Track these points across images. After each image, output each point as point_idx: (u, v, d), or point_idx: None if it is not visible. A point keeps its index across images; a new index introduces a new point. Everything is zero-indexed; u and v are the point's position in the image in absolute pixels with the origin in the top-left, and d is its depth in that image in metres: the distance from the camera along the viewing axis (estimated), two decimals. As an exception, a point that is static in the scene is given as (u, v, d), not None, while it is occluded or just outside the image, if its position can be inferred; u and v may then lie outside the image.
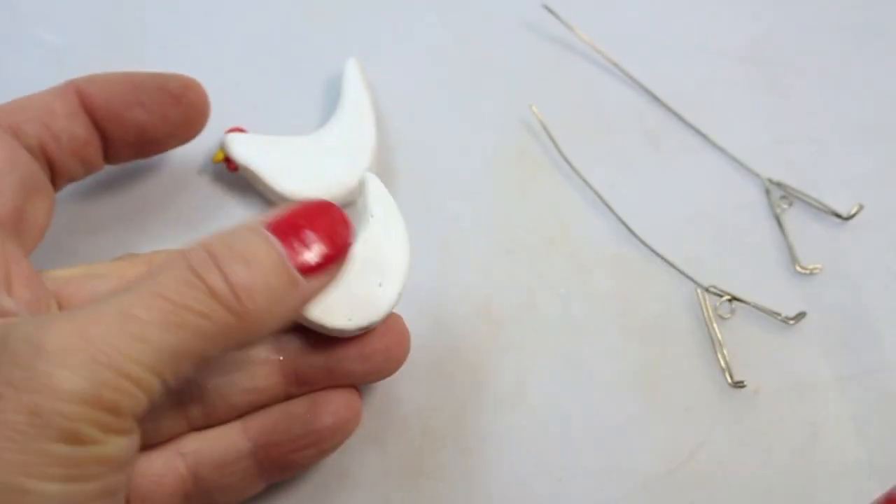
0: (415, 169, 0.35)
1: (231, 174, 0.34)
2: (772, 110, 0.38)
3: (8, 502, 0.19)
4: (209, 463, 0.27)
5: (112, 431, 0.20)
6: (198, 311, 0.21)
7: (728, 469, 0.31)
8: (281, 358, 0.27)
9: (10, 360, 0.20)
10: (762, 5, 0.40)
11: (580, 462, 0.31)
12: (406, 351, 0.29)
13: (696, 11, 0.40)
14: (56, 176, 0.29)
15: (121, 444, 0.21)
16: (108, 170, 0.31)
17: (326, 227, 0.24)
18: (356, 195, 0.29)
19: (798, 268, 0.34)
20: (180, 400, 0.27)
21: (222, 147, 0.33)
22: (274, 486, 0.29)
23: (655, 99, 0.37)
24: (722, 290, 0.33)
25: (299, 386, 0.28)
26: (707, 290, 0.33)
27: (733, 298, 0.33)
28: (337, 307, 0.27)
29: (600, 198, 0.35)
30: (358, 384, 0.29)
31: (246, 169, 0.33)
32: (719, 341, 0.32)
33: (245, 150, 0.33)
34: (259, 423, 0.27)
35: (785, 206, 0.35)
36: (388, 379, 0.29)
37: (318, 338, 0.27)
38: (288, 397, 0.28)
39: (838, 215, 0.35)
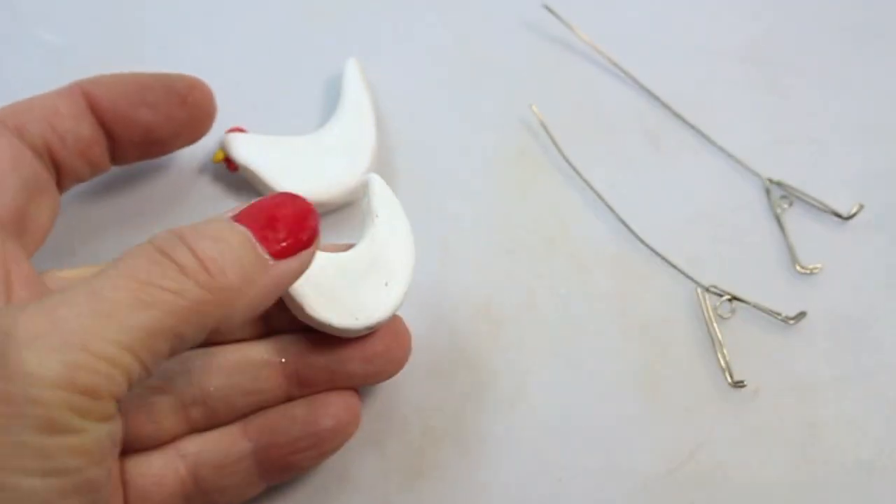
0: (415, 169, 0.35)
1: (231, 174, 0.34)
2: (772, 110, 0.38)
3: None
4: (209, 464, 0.27)
5: (91, 417, 0.20)
6: (167, 288, 0.21)
7: (728, 469, 0.31)
8: (283, 360, 0.27)
9: None
10: (762, 5, 0.40)
11: (580, 462, 0.31)
12: (407, 352, 0.29)
13: (696, 11, 0.40)
14: (62, 177, 0.29)
15: (101, 432, 0.20)
16: (109, 170, 0.31)
17: (292, 214, 0.24)
18: (359, 196, 0.30)
19: (798, 268, 0.34)
20: (182, 401, 0.27)
21: (222, 147, 0.33)
22: (273, 488, 0.29)
23: (655, 99, 0.37)
24: (722, 290, 0.33)
25: (301, 388, 0.28)
26: (707, 289, 0.33)
27: (733, 298, 0.33)
28: (343, 307, 0.27)
29: (600, 198, 0.35)
30: (359, 386, 0.29)
31: (246, 169, 0.33)
32: (719, 341, 0.32)
33: (245, 150, 0.33)
34: (259, 425, 0.27)
35: (785, 206, 0.35)
36: (388, 380, 0.29)
37: (320, 340, 0.28)
38: (289, 399, 0.28)
39: (838, 215, 0.35)
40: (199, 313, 0.21)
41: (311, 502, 0.30)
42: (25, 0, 0.38)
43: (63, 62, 0.36)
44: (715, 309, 0.33)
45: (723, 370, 0.32)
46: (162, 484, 0.26)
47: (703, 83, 0.38)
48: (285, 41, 0.38)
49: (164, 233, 0.22)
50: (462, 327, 0.33)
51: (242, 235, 0.23)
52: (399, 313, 0.28)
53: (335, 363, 0.28)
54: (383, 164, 0.35)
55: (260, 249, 0.23)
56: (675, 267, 0.34)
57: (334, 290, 0.27)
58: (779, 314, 0.33)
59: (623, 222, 0.34)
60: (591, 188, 0.35)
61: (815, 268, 0.34)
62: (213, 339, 0.28)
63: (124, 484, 0.26)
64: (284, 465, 0.27)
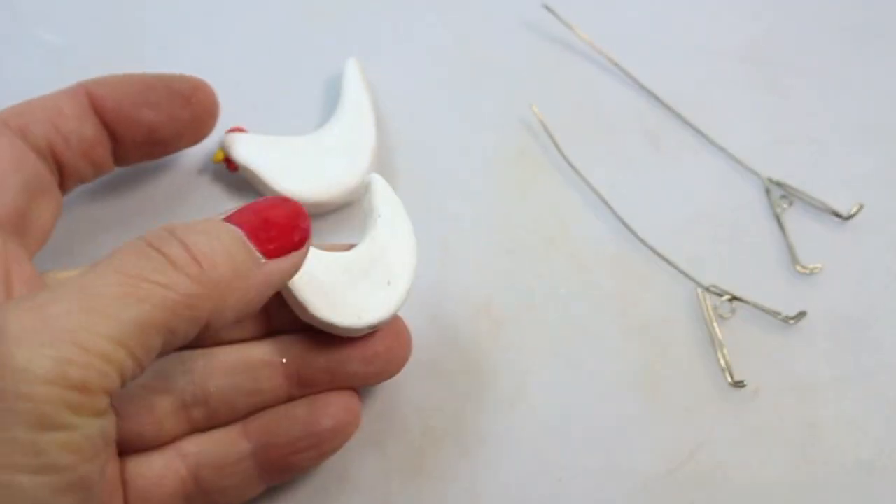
0: (415, 169, 0.35)
1: (231, 174, 0.34)
2: (772, 110, 0.38)
3: None
4: (209, 464, 0.27)
5: (83, 412, 0.19)
6: (158, 282, 0.21)
7: (728, 469, 0.31)
8: (284, 360, 0.27)
9: None
10: (762, 5, 0.40)
11: (580, 462, 0.31)
12: (408, 352, 0.29)
13: (696, 11, 0.40)
14: (65, 177, 0.29)
15: (93, 428, 0.20)
16: (112, 171, 0.31)
17: (283, 216, 0.24)
18: (360, 195, 0.30)
19: (798, 268, 0.34)
20: (182, 402, 0.27)
21: (222, 147, 0.33)
22: (274, 488, 0.29)
23: (655, 99, 0.37)
24: (722, 290, 0.33)
25: (301, 388, 0.28)
26: (707, 289, 0.33)
27: (733, 298, 0.33)
28: (346, 306, 0.27)
29: (600, 198, 0.35)
30: (360, 386, 0.29)
31: (246, 169, 0.33)
32: (719, 341, 0.32)
33: (245, 150, 0.33)
34: (259, 425, 0.27)
35: (785, 206, 0.35)
36: (387, 380, 0.29)
37: (321, 340, 0.28)
38: (290, 399, 0.28)
39: (838, 215, 0.35)
40: (190, 307, 0.21)
41: (311, 502, 0.30)
42: (25, 0, 0.38)
43: (63, 62, 0.36)
44: (715, 309, 0.33)
45: (723, 370, 0.32)
46: (162, 484, 0.26)
47: (703, 83, 0.38)
48: (285, 41, 0.38)
49: (156, 228, 0.22)
50: (462, 327, 0.33)
51: (234, 233, 0.23)
52: (400, 313, 0.28)
53: (336, 363, 0.28)
54: (383, 164, 0.35)
55: (251, 247, 0.23)
56: (675, 267, 0.34)
57: (337, 289, 0.27)
58: (779, 314, 0.33)
59: (623, 222, 0.34)
60: (591, 188, 0.35)
61: (815, 268, 0.34)
62: (211, 339, 0.28)
63: (124, 484, 0.26)
64: (285, 466, 0.27)
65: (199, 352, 0.27)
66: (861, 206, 0.35)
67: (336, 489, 0.30)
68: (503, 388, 0.32)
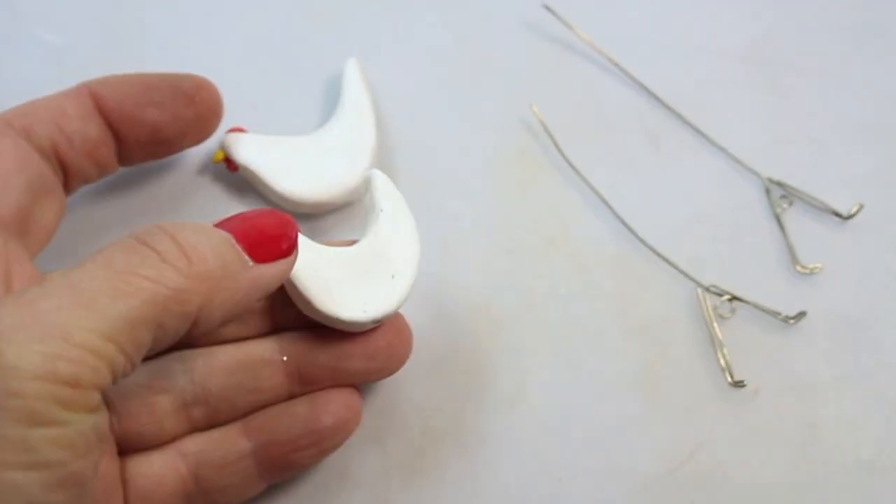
0: (415, 169, 0.35)
1: (231, 174, 0.34)
2: (772, 110, 0.38)
3: None
4: (210, 463, 0.27)
5: (74, 408, 0.19)
6: (147, 276, 0.21)
7: (728, 469, 0.31)
8: (285, 358, 0.28)
9: None
10: (762, 5, 0.40)
11: (580, 462, 0.31)
12: (409, 348, 0.29)
13: (696, 11, 0.40)
14: (69, 178, 0.29)
15: (85, 424, 0.20)
16: (117, 171, 0.31)
17: (272, 224, 0.24)
18: (362, 192, 0.30)
19: (798, 268, 0.34)
20: (183, 401, 0.27)
21: (222, 147, 0.33)
22: (274, 486, 0.29)
23: (655, 99, 0.37)
24: (722, 290, 0.33)
25: (303, 386, 0.28)
26: (707, 289, 0.33)
27: (733, 298, 0.33)
28: (351, 300, 0.27)
29: (600, 198, 0.35)
30: (361, 383, 0.29)
31: (246, 169, 0.33)
32: (719, 341, 0.32)
33: (245, 150, 0.33)
34: (259, 424, 0.27)
35: (785, 206, 0.35)
36: (388, 379, 0.29)
37: (322, 337, 0.28)
38: (291, 397, 0.28)
39: (838, 215, 0.35)
40: (180, 301, 0.21)
41: (311, 500, 0.30)
42: (25, 0, 0.38)
43: (63, 62, 0.36)
44: (715, 309, 0.33)
45: (723, 370, 0.32)
46: (162, 484, 0.26)
47: (703, 83, 0.38)
48: (285, 41, 0.38)
49: (146, 226, 0.23)
50: (462, 327, 0.33)
51: (223, 235, 0.23)
52: (400, 311, 0.28)
53: (337, 360, 0.28)
54: (383, 164, 0.35)
55: (240, 250, 0.23)
56: (675, 267, 0.34)
57: (341, 283, 0.27)
58: (779, 314, 0.33)
59: (623, 222, 0.34)
60: (591, 188, 0.35)
61: (815, 268, 0.34)
62: (210, 338, 0.28)
63: (125, 484, 0.26)
64: (285, 464, 0.27)
65: (199, 351, 0.27)
66: (861, 206, 0.35)
67: (336, 486, 0.30)
68: (503, 388, 0.32)
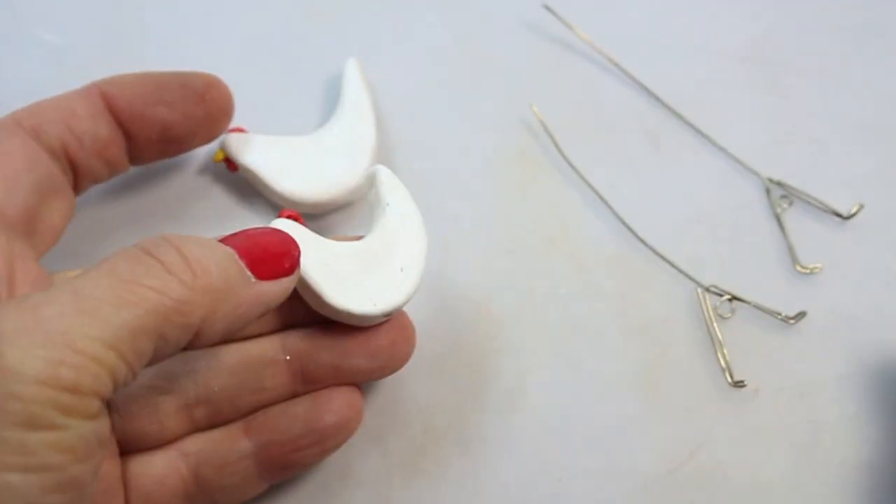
0: (415, 169, 0.35)
1: (231, 174, 0.34)
2: (772, 110, 0.38)
3: None
4: (210, 463, 0.27)
5: (74, 414, 0.19)
6: (151, 287, 0.21)
7: (728, 469, 0.31)
8: (287, 357, 0.28)
9: None
10: (762, 5, 0.40)
11: (580, 462, 0.31)
12: (412, 346, 0.29)
13: (696, 11, 0.40)
14: (79, 177, 0.29)
15: (85, 430, 0.20)
16: (128, 171, 0.31)
17: (275, 242, 0.25)
18: (364, 190, 0.30)
19: (798, 268, 0.34)
20: (185, 401, 0.27)
21: (222, 147, 0.33)
22: (275, 486, 0.29)
23: (655, 99, 0.37)
24: (722, 290, 0.33)
25: (306, 385, 0.28)
26: (707, 289, 0.33)
27: (733, 298, 0.33)
28: (360, 294, 0.27)
29: (600, 198, 0.35)
30: (364, 381, 0.29)
31: (246, 169, 0.33)
32: (719, 341, 0.32)
33: (245, 150, 0.33)
34: (260, 423, 0.27)
35: (785, 206, 0.35)
36: (389, 378, 0.29)
37: (325, 335, 0.28)
38: (294, 396, 0.28)
39: (838, 215, 0.35)
40: (182, 313, 0.21)
41: (312, 499, 0.30)
42: (25, 0, 0.38)
43: (63, 62, 0.36)
44: (715, 309, 0.33)
45: (723, 370, 0.32)
46: (164, 484, 0.26)
47: (703, 83, 0.38)
48: (285, 41, 0.38)
49: (152, 237, 0.23)
50: (462, 327, 0.33)
51: (227, 251, 0.23)
52: (403, 309, 0.28)
53: (340, 358, 0.28)
54: (383, 164, 0.34)
55: (243, 266, 0.23)
56: (675, 267, 0.34)
57: (351, 277, 0.27)
58: (779, 314, 0.33)
59: (623, 222, 0.34)
60: (591, 188, 0.35)
61: (815, 268, 0.34)
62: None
63: (126, 484, 0.26)
64: (286, 463, 0.27)
65: (201, 351, 0.27)
66: (861, 206, 0.35)
67: (338, 486, 0.30)
68: (503, 388, 0.32)
